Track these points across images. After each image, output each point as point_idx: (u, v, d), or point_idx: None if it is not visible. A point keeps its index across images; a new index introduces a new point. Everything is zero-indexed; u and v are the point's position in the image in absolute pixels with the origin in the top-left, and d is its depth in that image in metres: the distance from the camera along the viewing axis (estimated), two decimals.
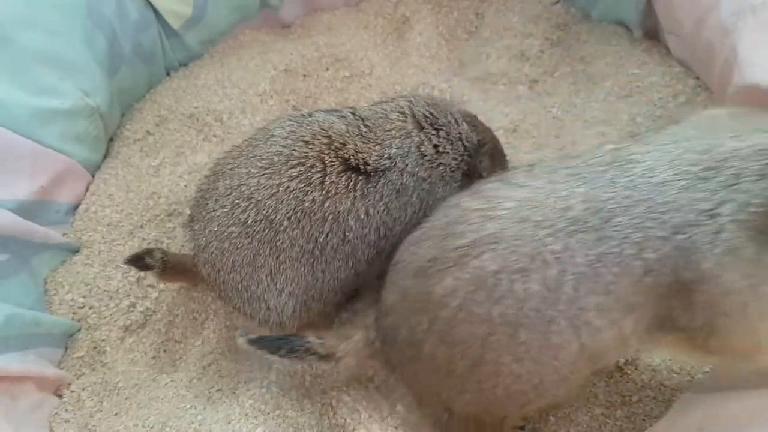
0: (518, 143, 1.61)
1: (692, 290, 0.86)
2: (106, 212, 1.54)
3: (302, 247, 1.15)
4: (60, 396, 1.36)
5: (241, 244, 1.16)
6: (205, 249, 1.21)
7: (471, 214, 0.98)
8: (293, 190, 1.13)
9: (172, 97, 1.76)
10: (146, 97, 1.80)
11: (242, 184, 1.17)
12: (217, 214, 1.18)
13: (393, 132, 1.20)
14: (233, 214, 1.16)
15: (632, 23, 1.72)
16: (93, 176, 1.62)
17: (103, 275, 1.45)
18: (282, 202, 1.13)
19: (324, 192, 1.13)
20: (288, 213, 1.13)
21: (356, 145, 1.16)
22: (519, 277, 0.91)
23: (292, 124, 1.21)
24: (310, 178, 1.14)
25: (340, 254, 1.17)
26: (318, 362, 1.16)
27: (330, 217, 1.14)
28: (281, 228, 1.14)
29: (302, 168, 1.14)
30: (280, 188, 1.14)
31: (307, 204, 1.13)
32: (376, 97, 1.71)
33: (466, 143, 1.25)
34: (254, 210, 1.15)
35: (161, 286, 1.47)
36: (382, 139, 1.18)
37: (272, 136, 1.21)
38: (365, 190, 1.15)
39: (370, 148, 1.17)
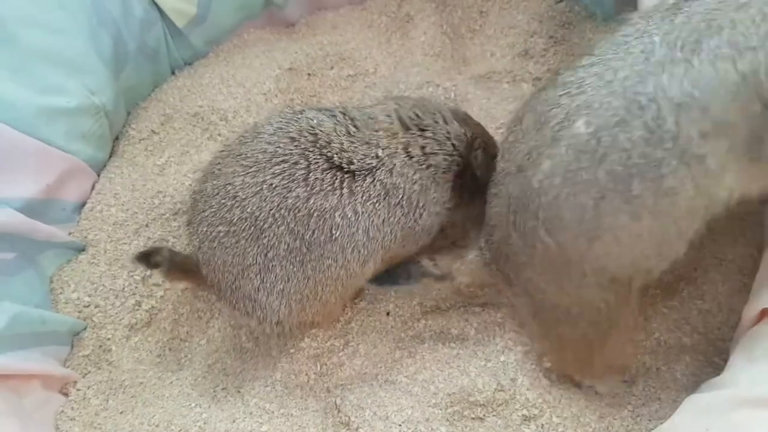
0: None
1: None
2: (111, 211, 1.54)
3: (289, 244, 1.14)
4: (66, 394, 1.36)
5: (229, 244, 1.17)
6: (200, 250, 1.22)
7: (559, 99, 1.00)
8: (276, 186, 1.13)
9: (177, 96, 1.76)
10: (151, 96, 1.80)
11: (228, 183, 1.17)
12: (206, 214, 1.19)
13: (380, 133, 1.19)
14: (220, 213, 1.17)
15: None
16: (98, 175, 1.62)
17: (109, 274, 1.45)
18: (266, 199, 1.13)
19: (308, 188, 1.13)
20: (272, 210, 1.13)
21: (342, 144, 1.16)
22: (619, 129, 0.93)
23: (280, 121, 1.21)
24: (294, 175, 1.13)
25: (328, 252, 1.16)
26: (435, 282, 1.21)
27: (315, 213, 1.13)
28: (266, 225, 1.13)
29: (286, 165, 1.14)
30: (264, 185, 1.14)
31: (290, 201, 1.12)
32: (380, 96, 1.70)
33: (455, 142, 1.22)
34: (239, 208, 1.15)
35: (166, 284, 1.47)
36: (369, 139, 1.17)
37: (259, 133, 1.21)
38: (352, 188, 1.14)
39: (356, 147, 1.16)
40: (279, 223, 1.13)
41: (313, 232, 1.14)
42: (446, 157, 1.21)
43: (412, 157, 1.18)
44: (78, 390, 1.36)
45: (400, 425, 1.19)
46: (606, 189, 0.95)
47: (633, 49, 0.97)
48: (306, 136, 1.16)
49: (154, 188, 1.57)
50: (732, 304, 1.27)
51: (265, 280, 1.18)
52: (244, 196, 1.15)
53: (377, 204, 1.16)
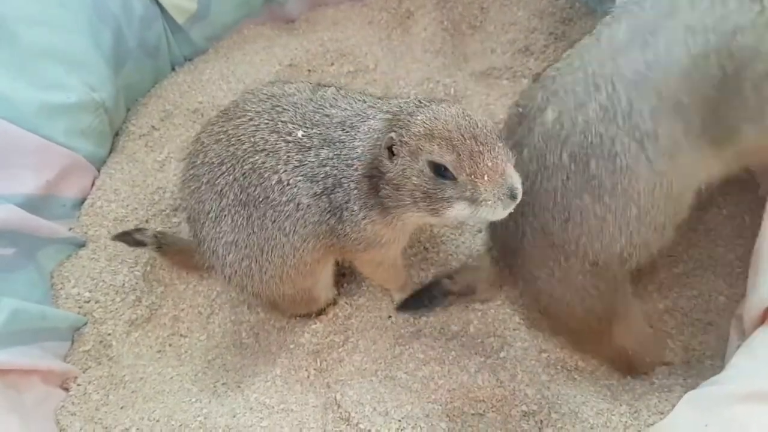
0: None
1: (740, 77, 0.92)
2: (111, 207, 1.54)
3: (237, 195, 1.17)
4: (66, 389, 1.36)
5: (193, 186, 1.23)
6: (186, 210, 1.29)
7: (536, 92, 1.08)
8: (231, 136, 1.18)
9: (177, 92, 1.76)
10: (151, 92, 1.80)
11: (203, 133, 1.25)
12: (185, 163, 1.27)
13: (324, 118, 1.15)
14: (190, 159, 1.24)
15: None
16: (98, 171, 1.62)
17: (109, 270, 1.46)
18: (222, 146, 1.18)
19: (253, 145, 1.16)
20: (225, 158, 1.18)
21: (291, 116, 1.16)
22: (577, 111, 0.98)
23: (269, 86, 1.26)
24: (246, 129, 1.17)
25: (268, 213, 1.16)
26: (458, 299, 1.26)
27: (258, 170, 1.15)
28: (219, 172, 1.18)
29: (244, 119, 1.18)
30: (222, 135, 1.19)
31: (240, 153, 1.16)
32: (380, 92, 1.71)
33: (361, 152, 1.10)
34: (203, 154, 1.22)
35: (167, 280, 1.47)
36: (313, 123, 1.15)
37: (246, 94, 1.27)
38: (288, 157, 1.14)
39: (302, 124, 1.15)
40: (230, 171, 1.17)
41: (255, 188, 1.16)
42: (348, 167, 1.10)
43: (339, 156, 1.11)
44: (78, 385, 1.36)
45: (399, 421, 1.19)
46: (569, 170, 1.00)
47: (602, 35, 1.03)
48: (271, 100, 1.20)
49: (154, 184, 1.58)
50: (731, 303, 1.28)
51: (217, 227, 1.21)
52: (207, 143, 1.21)
53: (303, 184, 1.14)
